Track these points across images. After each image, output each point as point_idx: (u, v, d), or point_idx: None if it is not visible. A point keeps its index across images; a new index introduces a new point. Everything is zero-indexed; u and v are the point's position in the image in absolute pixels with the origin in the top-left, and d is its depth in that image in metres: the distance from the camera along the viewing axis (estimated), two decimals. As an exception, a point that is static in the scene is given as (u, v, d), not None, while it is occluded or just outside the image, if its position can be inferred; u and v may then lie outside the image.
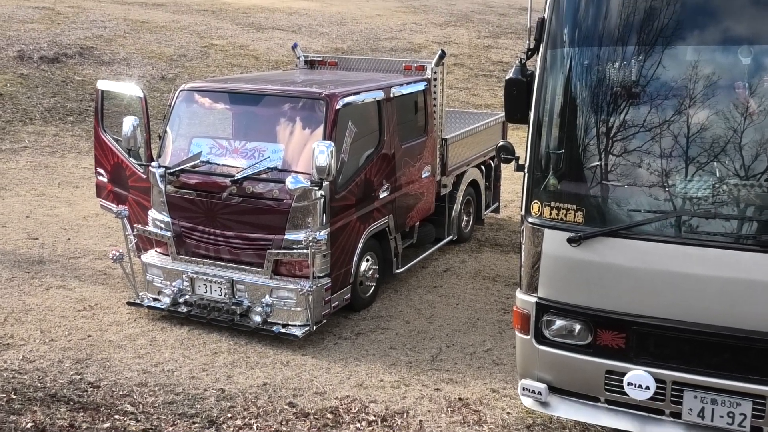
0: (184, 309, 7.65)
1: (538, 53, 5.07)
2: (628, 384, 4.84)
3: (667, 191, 4.70)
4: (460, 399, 6.37)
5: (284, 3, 29.02)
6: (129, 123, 7.77)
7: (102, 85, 8.81)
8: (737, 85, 4.52)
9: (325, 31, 25.03)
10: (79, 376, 6.56)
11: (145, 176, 8.05)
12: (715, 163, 4.60)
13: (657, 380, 4.78)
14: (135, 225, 8.15)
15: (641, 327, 4.80)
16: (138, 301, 7.87)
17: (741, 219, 4.58)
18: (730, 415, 4.67)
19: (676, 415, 4.83)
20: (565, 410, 5.20)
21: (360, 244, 7.90)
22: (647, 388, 4.80)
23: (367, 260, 8.19)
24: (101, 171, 8.80)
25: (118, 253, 7.58)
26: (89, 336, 7.37)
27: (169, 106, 8.15)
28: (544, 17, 5.03)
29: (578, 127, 4.95)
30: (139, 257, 8.16)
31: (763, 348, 4.50)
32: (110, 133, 8.57)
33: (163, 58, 20.22)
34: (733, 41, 4.55)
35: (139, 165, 8.14)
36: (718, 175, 4.59)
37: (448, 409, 6.21)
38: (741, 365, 4.60)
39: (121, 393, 6.30)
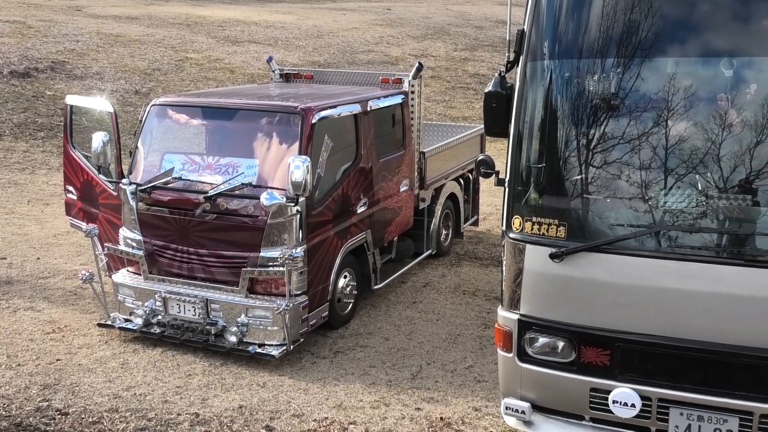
0: (156, 330, 7.45)
1: (517, 66, 4.97)
2: (613, 402, 4.76)
3: (649, 205, 4.62)
4: (441, 418, 6.23)
5: (260, 16, 28.90)
6: (99, 139, 7.59)
7: (71, 100, 8.62)
8: (720, 97, 4.46)
9: (301, 44, 24.93)
10: (47, 403, 6.34)
11: (115, 193, 7.86)
12: (697, 177, 4.53)
13: (642, 397, 4.70)
14: (105, 244, 7.94)
15: (625, 344, 4.71)
16: (109, 323, 7.66)
17: (724, 233, 4.51)
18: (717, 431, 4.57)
19: (662, 433, 4.73)
20: (549, 429, 5.10)
21: (337, 261, 7.75)
22: (633, 405, 4.72)
23: (345, 276, 8.05)
24: (71, 188, 8.59)
25: (88, 273, 7.38)
26: (58, 360, 7.14)
27: (140, 121, 7.98)
28: (523, 29, 4.94)
29: (559, 141, 4.86)
30: (110, 277, 7.95)
31: (748, 363, 4.44)
32: (80, 150, 8.37)
33: (136, 72, 20.00)
34: (715, 53, 4.49)
35: (110, 182, 7.95)
36: (700, 189, 4.52)
37: (430, 430, 6.07)
38: (727, 381, 4.53)
39: (90, 420, 6.10)
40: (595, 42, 4.72)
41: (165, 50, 22.10)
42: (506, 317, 5.08)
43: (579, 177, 4.80)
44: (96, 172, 8.11)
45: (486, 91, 5.14)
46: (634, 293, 4.63)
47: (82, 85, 18.42)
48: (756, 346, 4.37)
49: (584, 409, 4.91)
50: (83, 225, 8.26)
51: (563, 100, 4.86)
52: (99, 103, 8.25)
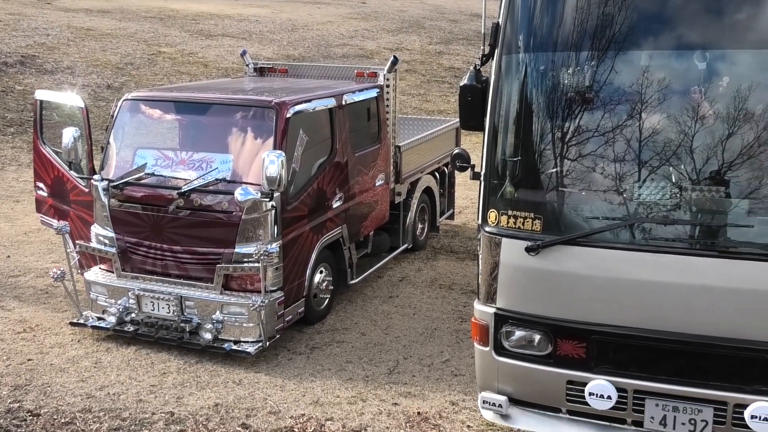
0: (130, 328, 7.37)
1: (492, 59, 4.95)
2: (590, 394, 4.77)
3: (624, 198, 4.63)
4: (419, 413, 6.21)
5: (234, 9, 28.69)
6: (69, 134, 7.47)
7: (41, 95, 8.48)
8: (693, 90, 4.47)
9: (275, 38, 24.78)
10: (18, 404, 6.23)
11: (87, 190, 7.75)
12: (671, 169, 4.54)
13: (618, 389, 4.71)
14: (77, 241, 7.83)
15: (601, 336, 4.72)
16: (81, 321, 7.56)
17: (697, 224, 4.53)
18: (692, 422, 4.61)
19: (638, 424, 4.76)
20: (527, 422, 5.11)
21: (313, 256, 7.71)
22: (609, 397, 4.73)
23: (321, 272, 8.00)
24: (41, 185, 8.46)
25: (59, 271, 7.26)
26: (29, 360, 7.03)
27: (112, 116, 7.86)
28: (498, 22, 4.91)
29: (534, 134, 4.85)
30: (83, 275, 7.84)
31: (723, 354, 4.46)
32: (50, 146, 8.24)
33: (108, 66, 19.75)
34: (688, 46, 4.50)
35: (81, 178, 7.83)
36: (675, 181, 4.53)
37: (407, 425, 6.05)
38: (701, 372, 4.56)
39: (63, 421, 6.00)
40: (569, 35, 4.70)
41: (137, 44, 21.85)
42: (483, 311, 5.07)
43: (554, 170, 4.79)
44: (67, 168, 7.99)
45: (461, 84, 5.12)
46: (609, 286, 4.63)
47: (52, 80, 18.16)
48: (730, 337, 4.40)
49: (561, 401, 4.91)
50: (54, 222, 8.14)
51: (538, 93, 4.84)
52: (69, 98, 8.13)
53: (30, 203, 11.68)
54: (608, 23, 4.60)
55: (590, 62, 4.65)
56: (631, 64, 4.59)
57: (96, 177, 7.51)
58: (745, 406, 4.43)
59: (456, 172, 10.95)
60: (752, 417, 4.40)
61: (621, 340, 4.68)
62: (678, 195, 4.53)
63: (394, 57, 9.43)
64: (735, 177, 4.42)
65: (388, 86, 9.30)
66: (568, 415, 4.96)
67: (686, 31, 4.50)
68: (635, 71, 4.57)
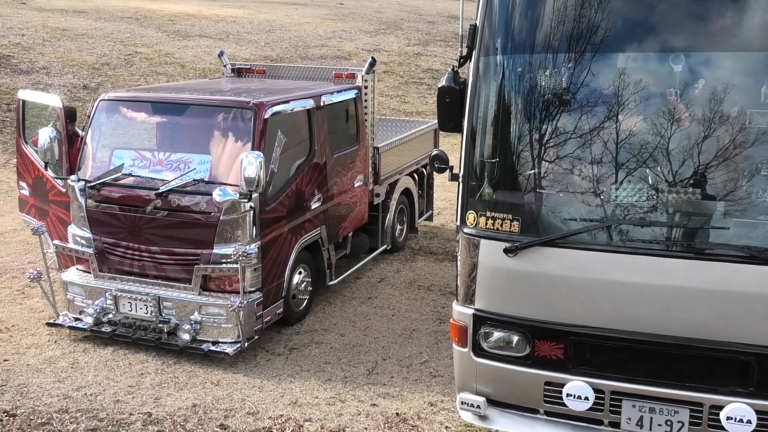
0: (107, 329, 7.32)
1: (470, 60, 4.98)
2: (567, 395, 4.79)
3: (602, 200, 4.67)
4: (397, 414, 6.23)
5: (211, 10, 28.54)
6: (45, 135, 7.42)
7: (23, 95, 8.47)
8: (669, 92, 4.52)
9: (253, 38, 24.68)
10: (-7, 405, 6.18)
11: (64, 190, 7.68)
12: (648, 171, 4.58)
13: (596, 390, 4.74)
14: (54, 241, 7.76)
15: (579, 337, 4.75)
16: (59, 322, 7.50)
17: (674, 226, 4.57)
18: (668, 423, 4.65)
19: (615, 425, 4.79)
20: (505, 423, 5.12)
21: (292, 257, 7.70)
22: (586, 398, 4.75)
23: (300, 273, 7.99)
24: (23, 184, 8.42)
25: (36, 272, 7.20)
26: (5, 360, 6.97)
27: (88, 117, 7.80)
28: (476, 24, 4.94)
29: (512, 136, 4.88)
30: (60, 275, 7.76)
31: (699, 355, 4.50)
32: (32, 145, 8.17)
33: (84, 66, 19.56)
34: (665, 49, 4.54)
35: (58, 178, 7.76)
36: (652, 183, 4.58)
37: (386, 426, 6.06)
38: (677, 373, 4.59)
39: (39, 421, 5.95)
40: (547, 37, 4.73)
41: (114, 44, 21.67)
42: (461, 312, 5.09)
43: (532, 172, 4.82)
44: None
45: (439, 86, 5.14)
46: (586, 287, 4.66)
47: (28, 80, 17.96)
48: (705, 338, 4.44)
49: (539, 402, 4.94)
50: (33, 222, 8.09)
51: (516, 95, 4.87)
52: (49, 99, 8.09)
53: (5, 203, 11.59)
54: (585, 26, 4.63)
55: (568, 64, 4.67)
56: (608, 66, 4.62)
57: (73, 177, 7.45)
58: (720, 408, 4.47)
59: (435, 173, 11.00)
60: (728, 418, 4.44)
61: (598, 341, 4.70)
62: (655, 197, 4.56)
63: (372, 58, 9.44)
64: (711, 179, 4.47)
65: (366, 87, 9.32)
66: (545, 416, 4.98)
67: (663, 34, 4.54)
68: (612, 73, 4.60)
